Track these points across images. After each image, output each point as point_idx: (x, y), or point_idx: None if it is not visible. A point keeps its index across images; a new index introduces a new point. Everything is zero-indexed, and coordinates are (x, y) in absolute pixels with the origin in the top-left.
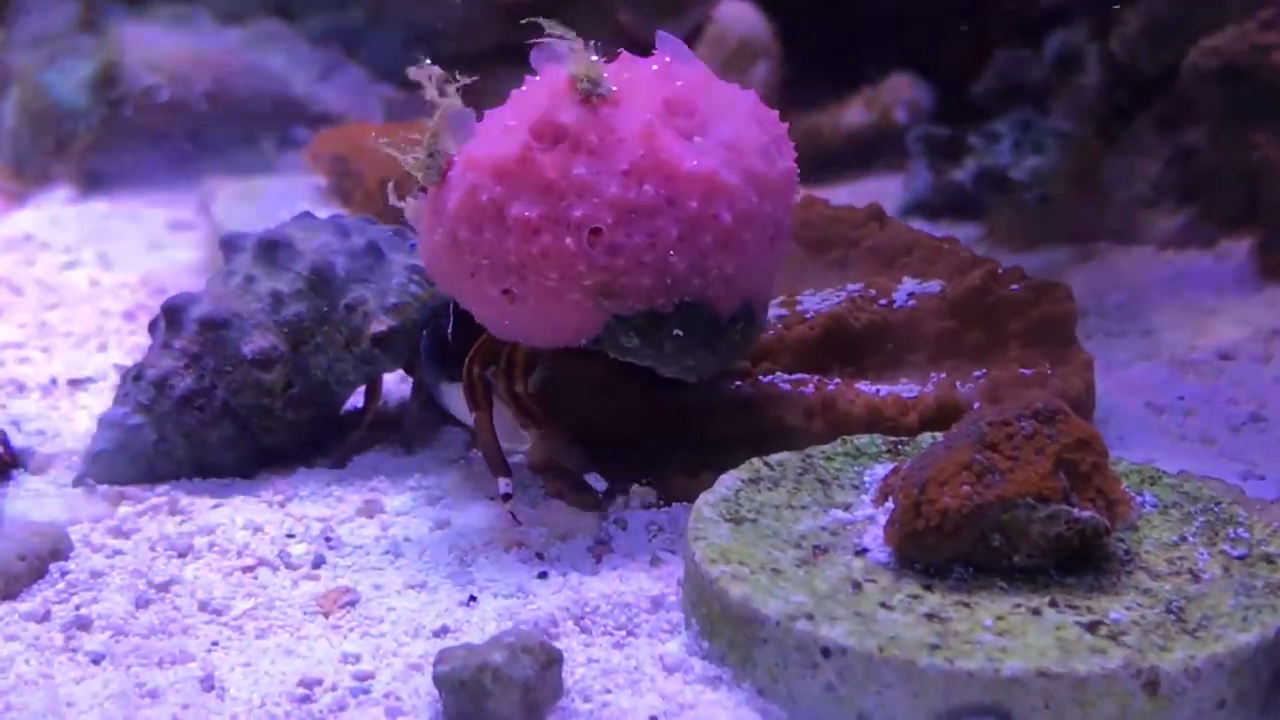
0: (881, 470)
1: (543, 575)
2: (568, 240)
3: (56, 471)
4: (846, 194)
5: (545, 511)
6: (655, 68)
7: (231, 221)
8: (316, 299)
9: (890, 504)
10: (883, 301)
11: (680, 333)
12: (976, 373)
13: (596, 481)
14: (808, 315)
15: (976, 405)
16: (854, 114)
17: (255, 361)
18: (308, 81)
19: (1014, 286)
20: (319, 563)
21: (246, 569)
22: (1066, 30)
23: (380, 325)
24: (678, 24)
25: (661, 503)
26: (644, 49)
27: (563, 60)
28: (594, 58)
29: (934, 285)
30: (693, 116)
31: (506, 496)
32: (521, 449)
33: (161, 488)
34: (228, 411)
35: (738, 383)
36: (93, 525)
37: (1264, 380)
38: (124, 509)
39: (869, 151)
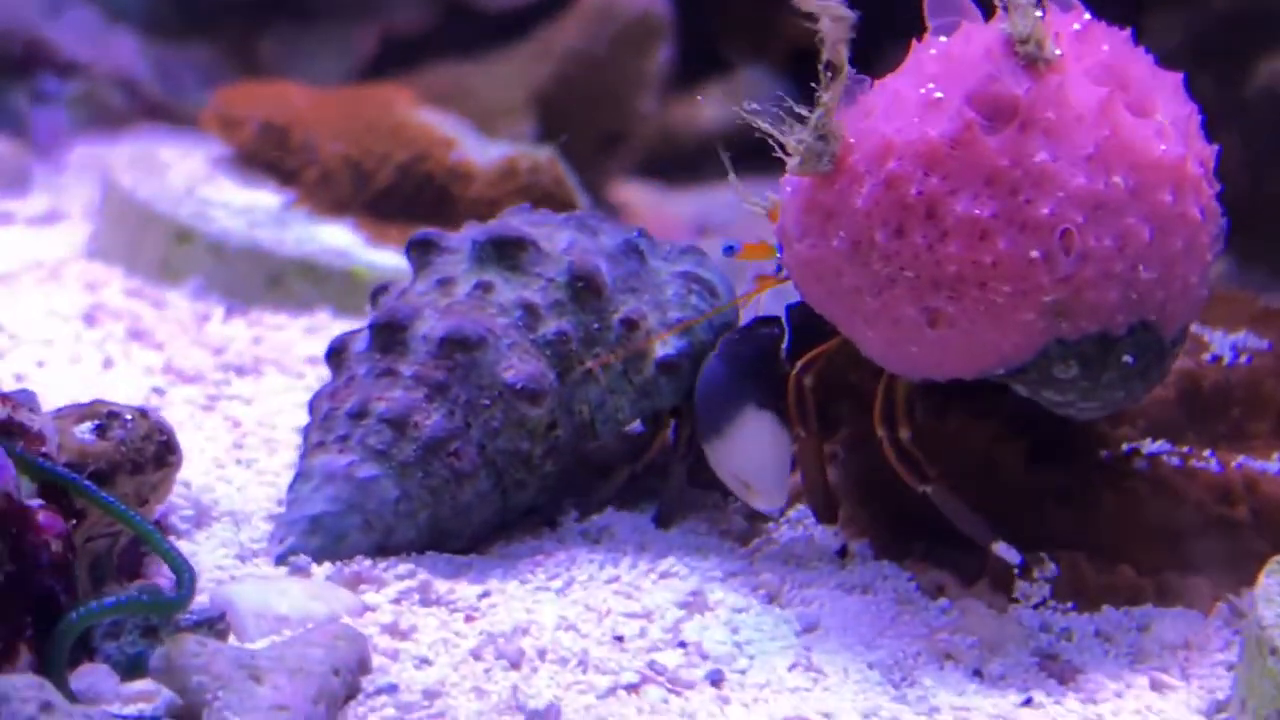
0: None
1: (1027, 703)
2: (1031, 245)
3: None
4: (693, 202)
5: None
6: (1076, 26)
7: (149, 193)
8: (582, 313)
9: None
10: (1210, 357)
11: (1131, 359)
12: None
13: (1009, 553)
14: None
15: None
16: (711, 109)
17: (523, 393)
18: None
19: None
20: (717, 680)
21: (628, 687)
22: None
23: (668, 347)
24: None
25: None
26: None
27: (966, 13)
28: (1039, 13)
29: (1260, 341)
30: (1133, 90)
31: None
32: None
33: (392, 564)
34: (485, 460)
35: (1109, 455)
36: (355, 620)
37: None
38: (371, 596)
39: (731, 152)
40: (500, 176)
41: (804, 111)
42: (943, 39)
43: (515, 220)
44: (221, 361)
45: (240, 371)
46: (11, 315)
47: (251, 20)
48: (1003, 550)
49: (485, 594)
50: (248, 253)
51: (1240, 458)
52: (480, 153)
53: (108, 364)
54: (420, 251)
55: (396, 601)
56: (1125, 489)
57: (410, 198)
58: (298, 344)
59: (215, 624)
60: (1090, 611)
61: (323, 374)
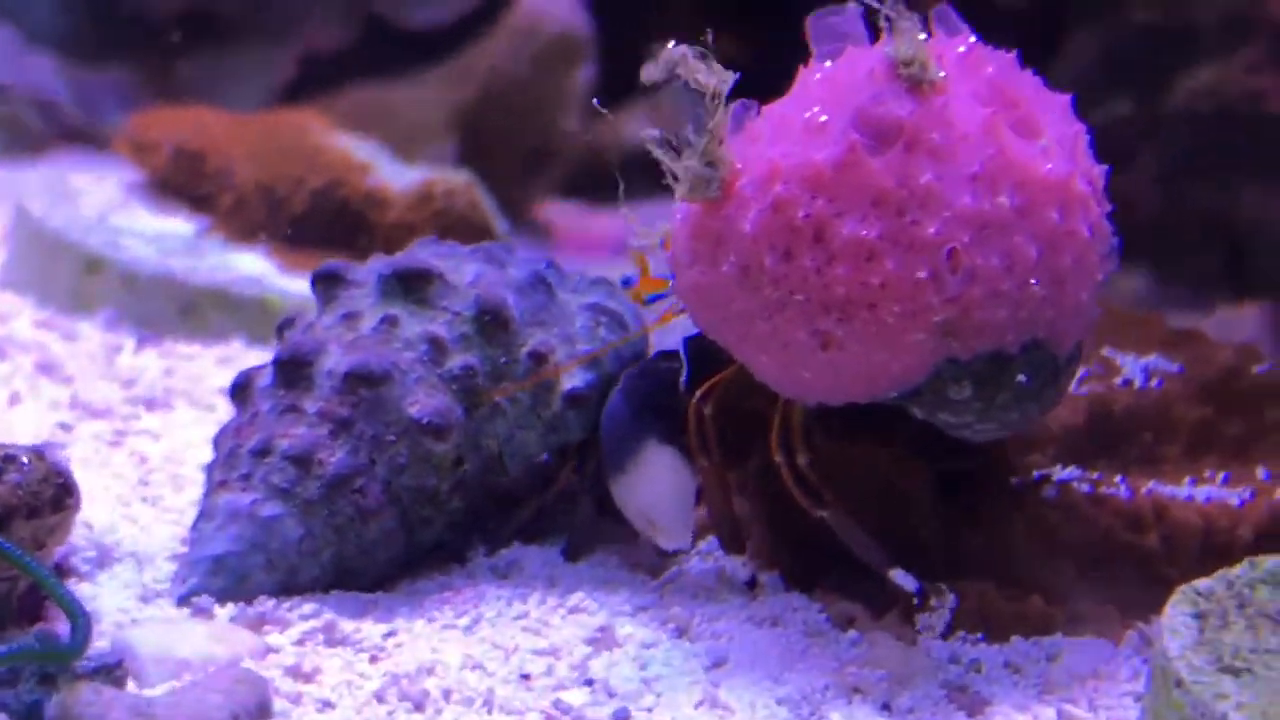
0: None
1: None
2: (919, 265)
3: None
4: (618, 221)
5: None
6: (961, 48)
7: (59, 221)
8: (489, 347)
9: None
10: (1120, 381)
11: (1025, 379)
12: (1262, 473)
13: (906, 580)
14: None
15: None
16: (636, 127)
17: (428, 428)
18: None
19: (1260, 368)
20: (622, 718)
21: None
22: None
23: (575, 380)
24: (436, 8)
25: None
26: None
27: (852, 38)
28: (922, 35)
29: (1170, 364)
30: (1019, 110)
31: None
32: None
33: (296, 604)
34: (391, 497)
35: (1020, 482)
36: (257, 663)
37: None
38: (274, 637)
39: (656, 171)
40: (416, 202)
41: (692, 138)
42: (828, 63)
43: (422, 253)
44: (131, 395)
45: (150, 405)
46: None
47: (170, 42)
48: (900, 578)
49: (391, 633)
50: (160, 282)
51: (1151, 483)
52: (397, 178)
53: (14, 400)
54: (326, 285)
55: (300, 643)
56: (1035, 516)
57: (325, 224)
58: (210, 375)
59: (113, 670)
60: (999, 642)
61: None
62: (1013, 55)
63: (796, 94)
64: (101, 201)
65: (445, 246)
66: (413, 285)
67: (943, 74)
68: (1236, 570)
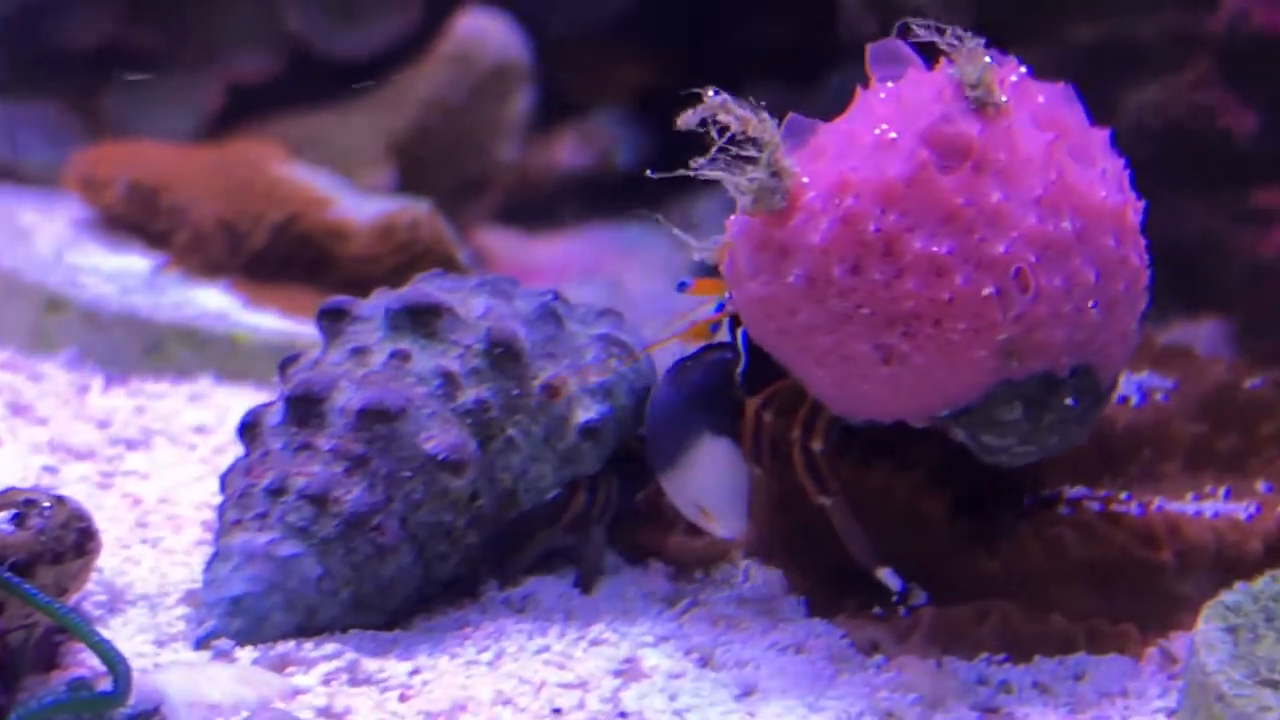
0: None
1: None
2: (987, 282)
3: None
4: (555, 247)
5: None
6: (1013, 77)
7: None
8: (502, 380)
9: None
10: (1118, 398)
11: (1073, 402)
12: (1263, 486)
13: (892, 579)
14: None
15: None
16: (569, 152)
17: (445, 464)
18: None
19: (1254, 383)
20: None
21: None
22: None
23: (589, 412)
24: (363, 35)
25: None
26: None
27: (910, 62)
28: (988, 59)
29: (1165, 381)
30: (1073, 138)
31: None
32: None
33: (317, 644)
34: (408, 533)
35: (1032, 501)
36: (287, 704)
37: None
38: (300, 678)
39: (589, 196)
40: (379, 234)
41: (751, 153)
42: (889, 84)
43: (428, 286)
44: (109, 435)
45: (131, 445)
46: None
47: (93, 75)
48: (887, 576)
49: (416, 670)
50: (123, 320)
51: (1159, 500)
52: (358, 209)
53: None
54: (331, 320)
55: (326, 682)
56: (1051, 536)
57: (287, 258)
58: (183, 413)
59: (150, 718)
60: (1023, 662)
61: (215, 444)
62: (1062, 86)
63: (860, 112)
64: (52, 239)
65: (450, 280)
66: (422, 319)
67: (1004, 98)
68: (1259, 584)
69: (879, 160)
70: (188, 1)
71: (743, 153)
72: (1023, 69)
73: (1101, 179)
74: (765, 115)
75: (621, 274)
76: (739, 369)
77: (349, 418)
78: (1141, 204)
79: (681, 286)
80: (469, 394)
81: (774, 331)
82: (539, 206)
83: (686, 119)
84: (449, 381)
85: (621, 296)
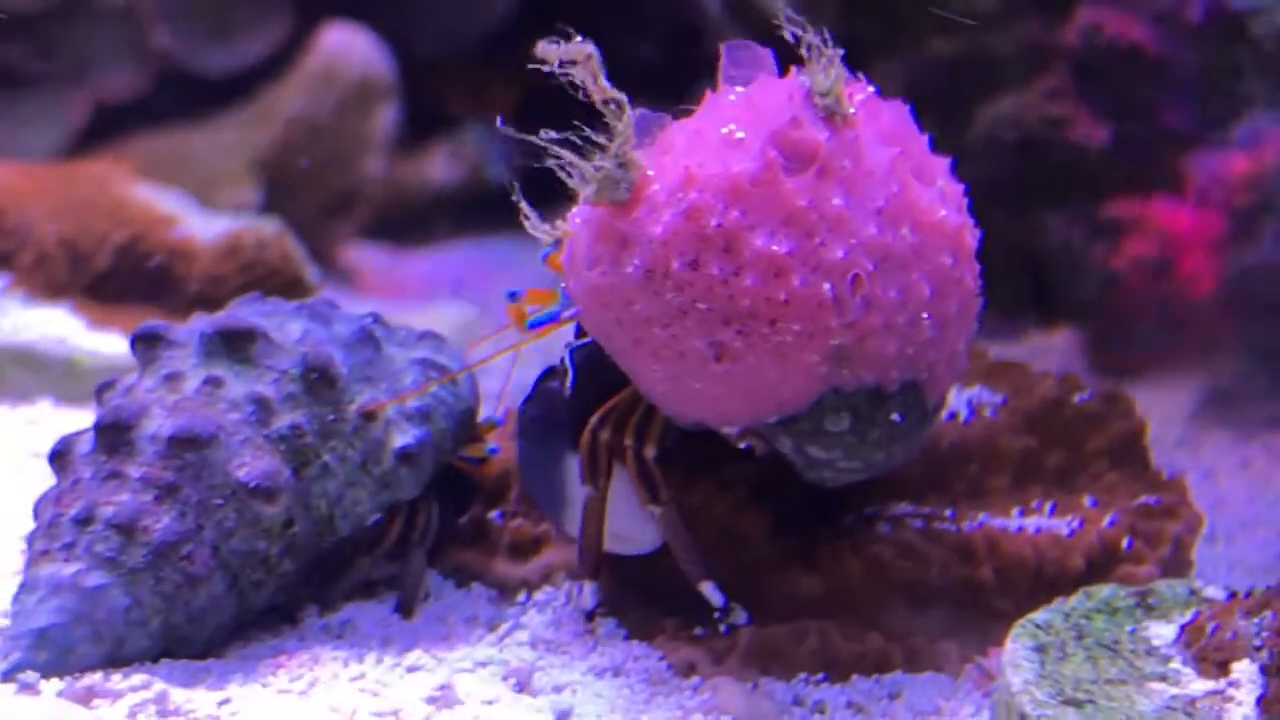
0: (1162, 630)
1: None
2: (824, 285)
3: None
4: (425, 262)
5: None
6: (860, 96)
7: None
8: (318, 405)
9: (1241, 676)
10: (946, 414)
11: (899, 418)
12: (1088, 501)
13: (714, 594)
14: None
15: (1129, 542)
16: (440, 168)
17: (257, 491)
18: None
19: (1081, 397)
20: None
21: None
22: None
23: (407, 437)
24: (233, 52)
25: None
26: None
27: (764, 67)
28: (840, 69)
29: (995, 396)
30: (913, 157)
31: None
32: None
33: (125, 675)
34: (220, 562)
35: (854, 519)
36: None
37: None
38: (105, 711)
39: (461, 212)
40: (225, 253)
41: (602, 140)
42: (739, 88)
43: (245, 310)
44: None
45: None
46: None
47: None
48: (710, 590)
49: (225, 701)
50: None
51: (982, 516)
52: (204, 229)
53: None
54: (146, 345)
55: (132, 715)
56: (870, 554)
57: (131, 279)
58: (19, 436)
59: None
60: (840, 682)
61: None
62: (905, 107)
63: (710, 112)
64: None
65: (268, 304)
66: (236, 345)
67: (853, 110)
68: (1072, 601)
69: (725, 157)
70: (54, 18)
71: (595, 137)
72: (871, 89)
73: (941, 198)
74: (625, 103)
75: (491, 289)
76: (568, 385)
77: (159, 445)
78: (978, 232)
79: (512, 296)
80: (283, 420)
81: (609, 322)
82: (411, 222)
83: (546, 49)
84: (263, 407)
85: (489, 313)
